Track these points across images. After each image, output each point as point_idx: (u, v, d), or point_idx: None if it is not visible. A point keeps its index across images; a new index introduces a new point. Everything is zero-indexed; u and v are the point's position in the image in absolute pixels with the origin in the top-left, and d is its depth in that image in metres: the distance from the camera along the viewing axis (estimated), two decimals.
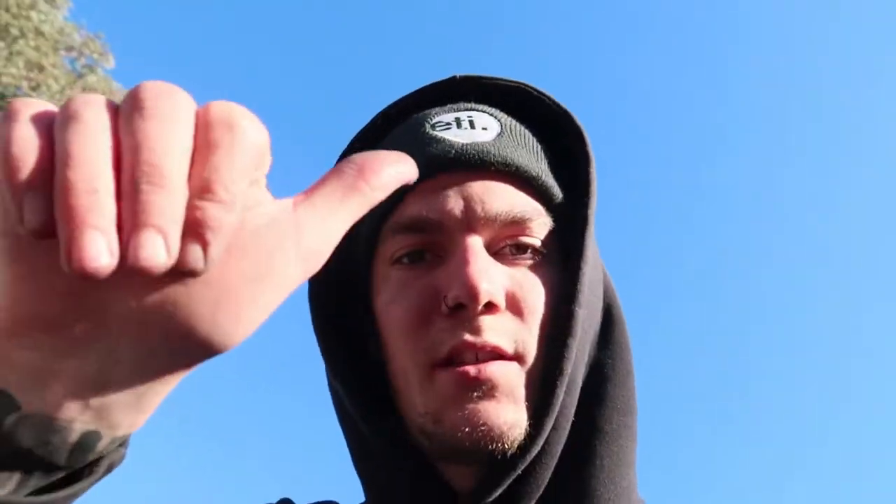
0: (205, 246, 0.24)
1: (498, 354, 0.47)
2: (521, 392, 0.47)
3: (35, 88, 9.78)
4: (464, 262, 0.47)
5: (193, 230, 0.23)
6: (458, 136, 0.51)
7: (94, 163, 0.22)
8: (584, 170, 0.53)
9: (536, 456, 0.47)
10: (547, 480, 0.48)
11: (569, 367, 0.47)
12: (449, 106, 0.55)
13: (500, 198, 0.49)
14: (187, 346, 0.26)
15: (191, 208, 0.23)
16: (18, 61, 9.52)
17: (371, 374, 0.52)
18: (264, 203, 0.27)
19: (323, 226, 0.28)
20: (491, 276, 0.47)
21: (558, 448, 0.48)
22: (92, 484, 0.29)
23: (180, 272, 0.24)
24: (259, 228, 0.26)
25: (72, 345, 0.25)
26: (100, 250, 0.21)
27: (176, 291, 0.25)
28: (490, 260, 0.48)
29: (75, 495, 0.28)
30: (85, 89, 10.05)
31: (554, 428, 0.48)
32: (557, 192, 0.52)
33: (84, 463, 0.27)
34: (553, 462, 0.48)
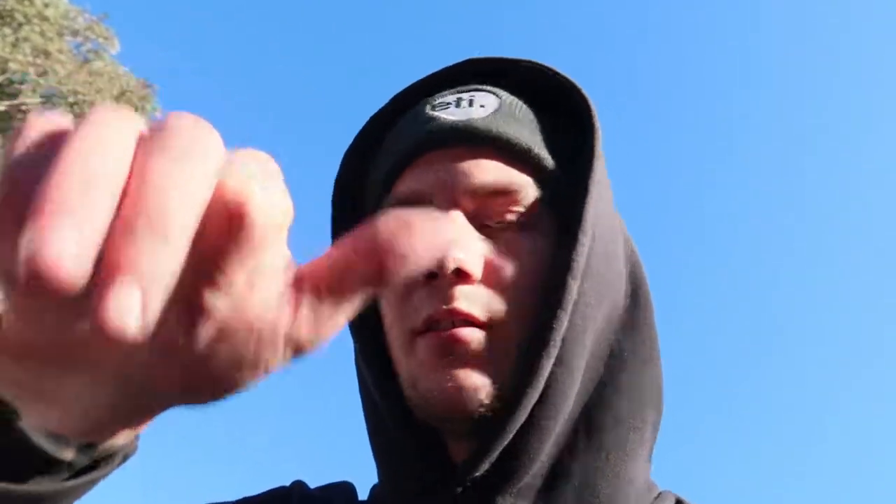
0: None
1: (470, 322, 0.48)
2: (491, 358, 0.48)
3: (42, 75, 9.79)
4: None
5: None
6: (452, 115, 0.53)
7: (96, 169, 0.19)
8: (590, 141, 0.54)
9: (524, 428, 0.47)
10: (540, 458, 0.48)
11: (556, 337, 0.47)
12: (457, 87, 0.57)
13: (486, 170, 0.51)
14: (163, 398, 0.26)
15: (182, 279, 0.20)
16: (25, 47, 9.51)
17: (383, 346, 0.54)
18: (266, 287, 0.24)
19: (325, 325, 0.25)
20: (465, 246, 0.48)
21: (551, 423, 0.48)
22: (109, 472, 0.30)
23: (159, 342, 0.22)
24: (254, 315, 0.24)
25: (57, 372, 0.24)
26: (67, 252, 0.17)
27: (150, 355, 0.23)
28: (468, 230, 0.50)
29: (95, 481, 0.30)
30: (91, 74, 10.05)
31: (542, 400, 0.48)
32: (551, 164, 0.53)
33: (91, 461, 0.28)
34: (546, 437, 0.48)
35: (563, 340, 0.48)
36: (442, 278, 0.48)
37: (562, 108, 0.57)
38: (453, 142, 0.52)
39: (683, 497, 0.55)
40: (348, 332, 0.57)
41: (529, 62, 0.58)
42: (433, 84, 0.59)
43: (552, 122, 0.56)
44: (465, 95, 0.55)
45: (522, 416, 0.47)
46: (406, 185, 0.52)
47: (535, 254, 0.50)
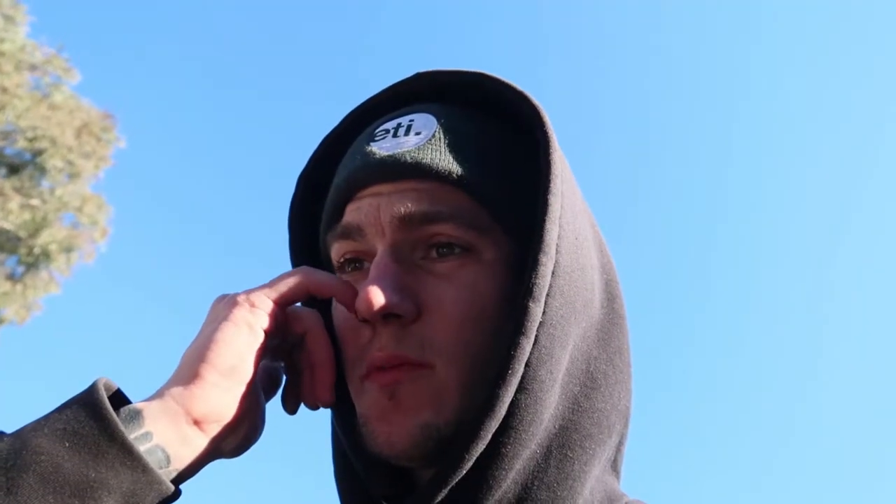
0: None
1: (408, 363, 0.49)
2: (431, 397, 0.49)
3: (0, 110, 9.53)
4: (369, 276, 0.50)
5: None
6: (383, 148, 0.53)
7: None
8: (545, 154, 0.51)
9: (486, 457, 0.46)
10: (504, 485, 0.47)
11: (515, 365, 0.46)
12: (403, 109, 0.57)
13: (410, 201, 0.51)
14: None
15: None
16: None
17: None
18: None
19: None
20: (394, 288, 0.49)
21: (517, 450, 0.47)
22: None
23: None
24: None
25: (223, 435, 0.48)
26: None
27: None
28: (396, 270, 0.50)
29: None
30: (51, 108, 9.81)
31: (503, 428, 0.46)
32: (496, 186, 0.52)
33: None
34: (511, 464, 0.47)
35: (528, 365, 0.46)
36: (374, 325, 0.50)
37: (513, 118, 0.56)
38: (381, 176, 0.53)
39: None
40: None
41: (476, 74, 0.57)
42: (384, 100, 0.60)
43: (502, 137, 0.55)
44: (404, 121, 0.54)
45: (481, 444, 0.46)
46: (346, 218, 0.54)
47: (475, 283, 0.50)
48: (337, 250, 0.55)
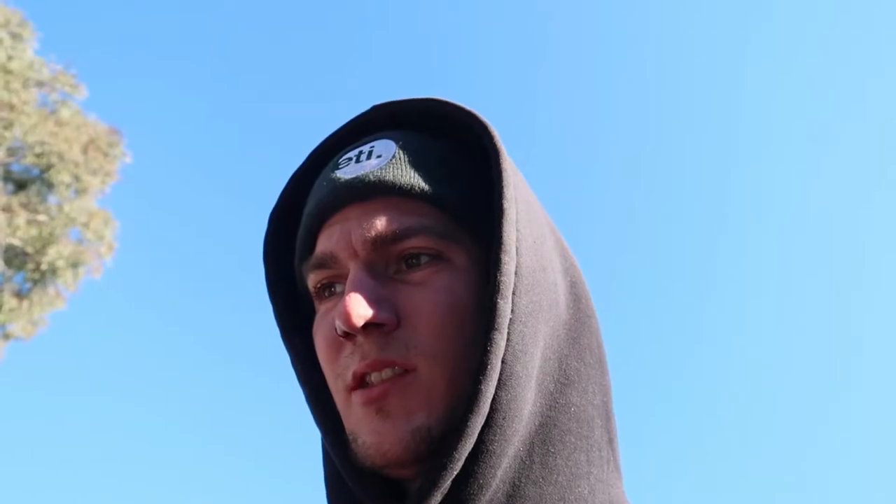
0: None
1: (392, 365, 0.50)
2: (420, 400, 0.50)
3: (8, 127, 9.59)
4: (345, 294, 0.51)
5: None
6: (348, 173, 0.55)
7: None
8: (496, 164, 0.53)
9: (474, 455, 0.48)
10: (494, 483, 0.48)
11: (493, 361, 0.47)
12: (364, 139, 0.59)
13: (379, 219, 0.52)
14: None
15: None
16: None
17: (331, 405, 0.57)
18: None
19: None
20: (371, 300, 0.50)
21: (502, 447, 0.48)
22: None
23: None
24: None
25: None
26: None
27: None
28: (371, 283, 0.51)
29: None
30: (58, 124, 9.87)
31: (489, 425, 0.48)
32: (455, 199, 0.54)
33: None
34: (497, 462, 0.48)
35: (504, 362, 0.48)
36: (357, 337, 0.50)
37: (466, 136, 0.58)
38: (348, 199, 0.54)
39: None
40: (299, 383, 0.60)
41: (427, 99, 0.60)
42: (345, 134, 0.62)
43: (459, 154, 0.58)
44: (366, 147, 0.57)
45: (469, 442, 0.47)
46: (319, 248, 0.55)
47: (450, 286, 0.52)
48: (313, 280, 0.57)
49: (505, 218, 0.51)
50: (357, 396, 0.51)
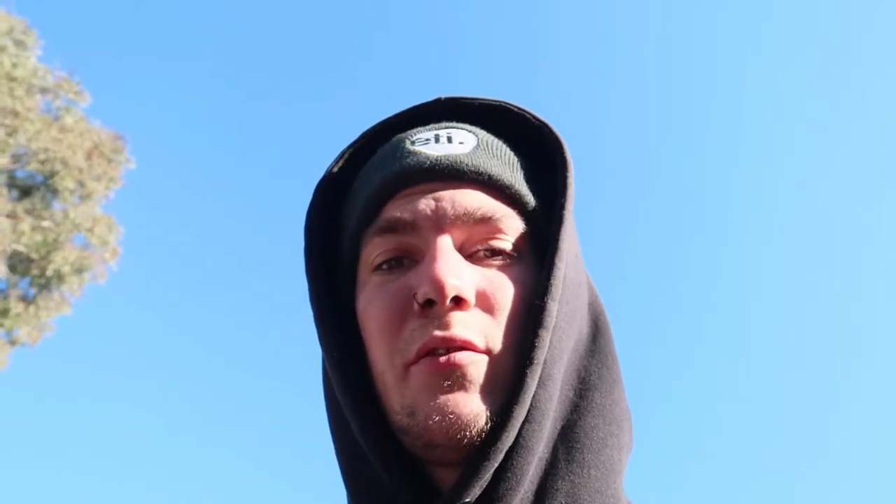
0: None
1: (468, 348, 0.49)
2: (488, 383, 0.48)
3: (12, 134, 9.65)
4: (432, 259, 0.49)
5: None
6: (434, 150, 0.54)
7: None
8: (563, 175, 0.55)
9: (512, 450, 0.47)
10: (527, 479, 0.48)
11: (540, 357, 0.48)
12: (431, 125, 0.58)
13: (470, 199, 0.52)
14: None
15: None
16: None
17: (362, 380, 0.53)
18: None
19: None
20: (460, 273, 0.49)
21: (536, 444, 0.48)
22: None
23: None
24: None
25: None
26: None
27: None
28: (460, 258, 0.51)
29: None
30: (62, 130, 9.92)
31: (528, 421, 0.48)
32: (531, 200, 0.55)
33: None
34: (532, 459, 0.48)
35: (544, 363, 0.48)
36: (440, 306, 0.48)
37: (530, 142, 0.59)
38: (438, 175, 0.53)
39: None
40: (330, 367, 0.55)
41: (498, 102, 0.60)
42: (403, 121, 0.61)
43: (527, 160, 0.58)
44: (442, 132, 0.56)
45: (512, 435, 0.47)
46: (391, 213, 0.53)
47: (521, 281, 0.52)
48: (377, 245, 0.54)
49: (564, 227, 0.52)
50: (421, 366, 0.48)
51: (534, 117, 0.59)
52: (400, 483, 0.49)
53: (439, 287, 0.47)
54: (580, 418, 0.51)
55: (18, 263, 9.67)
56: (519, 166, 0.57)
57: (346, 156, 0.61)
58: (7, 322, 9.56)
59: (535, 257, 0.54)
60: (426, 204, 0.52)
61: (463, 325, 0.49)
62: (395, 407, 0.50)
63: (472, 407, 0.47)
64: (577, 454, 0.50)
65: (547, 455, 0.50)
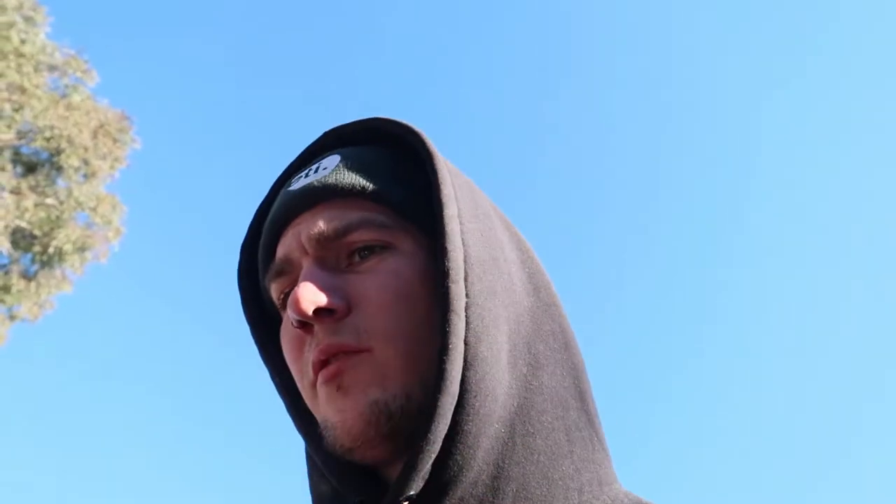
0: None
1: (344, 351, 0.52)
2: (377, 377, 0.51)
3: (18, 110, 9.66)
4: (296, 286, 0.53)
5: None
6: (295, 185, 0.59)
7: None
8: (430, 164, 0.57)
9: (450, 436, 0.48)
10: (475, 464, 0.48)
11: (455, 341, 0.48)
12: (315, 160, 0.62)
13: (324, 219, 0.55)
14: None
15: None
16: (0, 84, 9.39)
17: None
18: None
19: None
20: (316, 289, 0.52)
21: (477, 428, 0.48)
22: None
23: None
24: None
25: None
26: None
27: None
28: (321, 274, 0.54)
29: None
30: (69, 108, 9.92)
31: (460, 405, 0.48)
32: (402, 195, 0.57)
33: None
34: (476, 443, 0.48)
35: (467, 344, 0.49)
36: (316, 324, 0.52)
37: (408, 149, 0.62)
38: (300, 206, 0.58)
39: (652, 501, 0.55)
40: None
41: (368, 118, 0.64)
42: (299, 163, 0.66)
43: (401, 161, 0.61)
44: (314, 165, 0.60)
45: (443, 423, 0.47)
46: (276, 258, 0.59)
47: (397, 269, 0.54)
48: (275, 289, 0.60)
49: (445, 211, 0.53)
50: (319, 380, 0.52)
51: (397, 123, 0.62)
52: (349, 488, 0.54)
53: (297, 309, 0.51)
54: (532, 399, 0.52)
55: (21, 239, 9.70)
56: (389, 168, 0.59)
57: (260, 210, 0.67)
58: (8, 298, 9.60)
59: (426, 243, 0.56)
60: (291, 237, 0.57)
61: (333, 331, 0.52)
62: (320, 426, 0.54)
63: (360, 405, 0.50)
64: (530, 438, 0.51)
65: (504, 435, 0.50)
